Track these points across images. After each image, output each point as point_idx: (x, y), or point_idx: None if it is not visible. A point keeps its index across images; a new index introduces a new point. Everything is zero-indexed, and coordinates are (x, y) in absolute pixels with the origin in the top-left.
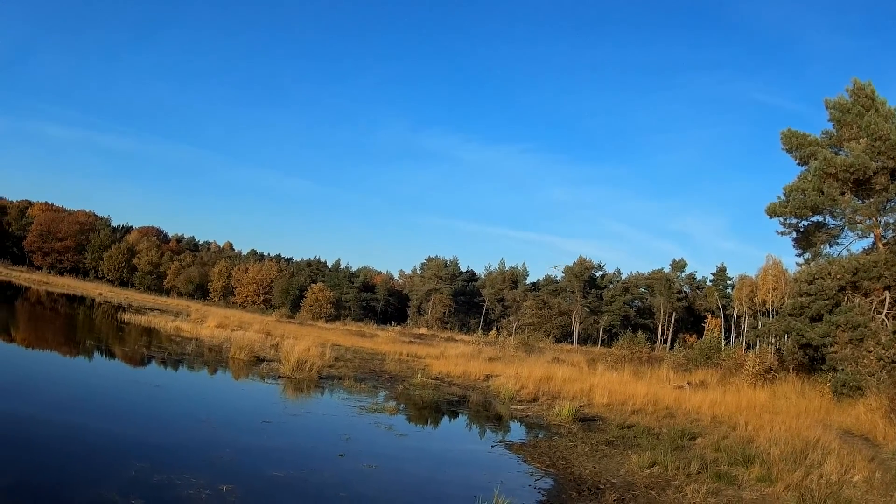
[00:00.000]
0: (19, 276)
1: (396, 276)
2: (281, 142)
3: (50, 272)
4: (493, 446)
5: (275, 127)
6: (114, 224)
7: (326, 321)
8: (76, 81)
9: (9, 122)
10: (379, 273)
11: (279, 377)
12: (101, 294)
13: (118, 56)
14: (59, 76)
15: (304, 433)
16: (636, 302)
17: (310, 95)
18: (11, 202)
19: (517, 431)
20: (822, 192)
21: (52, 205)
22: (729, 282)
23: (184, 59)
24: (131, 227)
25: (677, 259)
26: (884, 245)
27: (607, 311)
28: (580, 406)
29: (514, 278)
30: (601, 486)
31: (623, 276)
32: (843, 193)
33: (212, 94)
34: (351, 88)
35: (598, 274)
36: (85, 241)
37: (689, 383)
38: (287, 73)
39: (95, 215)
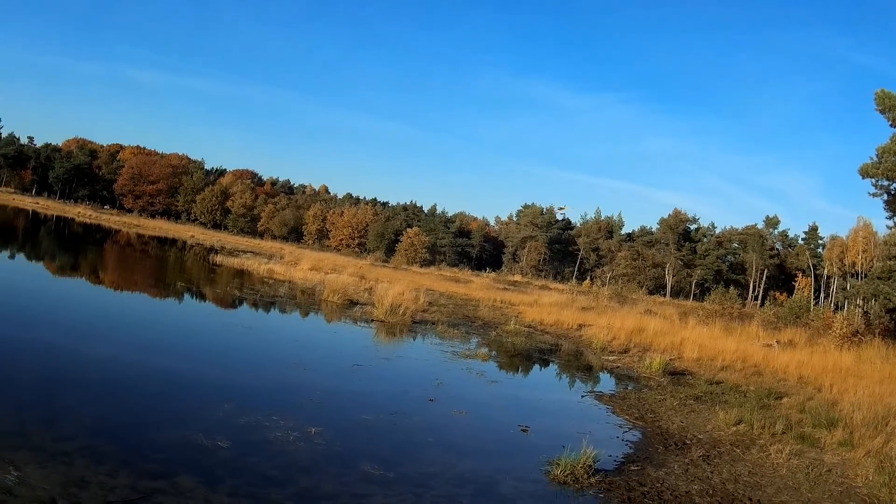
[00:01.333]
0: (109, 218)
1: (492, 222)
2: (377, 86)
3: (141, 215)
4: (582, 396)
5: (371, 71)
6: (207, 167)
7: (421, 266)
8: (166, 25)
9: (98, 66)
10: (475, 219)
11: (372, 321)
12: (192, 236)
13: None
14: (149, 20)
15: (395, 377)
16: (728, 257)
17: (407, 41)
18: (102, 146)
19: (607, 382)
20: None
21: (144, 148)
22: (820, 241)
23: (275, 3)
24: (225, 170)
25: (770, 216)
26: None
27: (700, 265)
28: (670, 360)
29: (609, 228)
30: (687, 442)
31: (717, 231)
32: None
33: (305, 37)
34: (449, 34)
35: (693, 227)
36: (177, 184)
37: (777, 342)
38: (381, 18)
39: (188, 158)
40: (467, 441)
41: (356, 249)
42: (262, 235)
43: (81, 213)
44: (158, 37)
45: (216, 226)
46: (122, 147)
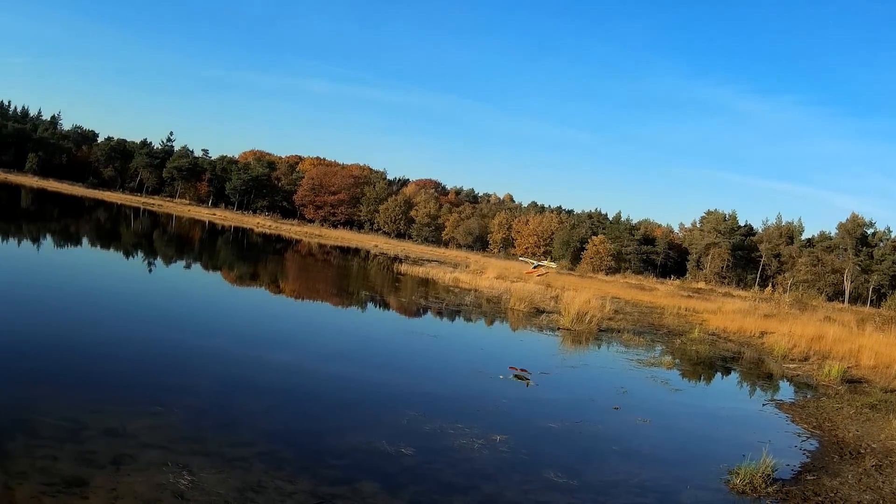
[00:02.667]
0: (290, 228)
1: (676, 229)
2: (555, 93)
3: (322, 225)
4: (763, 405)
5: (547, 78)
6: (389, 177)
7: (606, 274)
8: (337, 36)
9: (274, 78)
10: (659, 226)
11: (558, 329)
12: (376, 246)
13: (379, 9)
14: (319, 30)
15: (581, 385)
16: None
17: (579, 46)
18: (280, 158)
19: (787, 391)
20: None
21: (323, 159)
22: None
23: (446, 13)
24: (408, 179)
25: None
26: None
27: (877, 270)
28: (847, 367)
29: (789, 233)
30: (861, 451)
31: (893, 234)
32: None
33: (480, 46)
34: (620, 37)
35: (870, 231)
36: (359, 195)
37: None
38: (555, 26)
39: (370, 168)
40: (651, 450)
41: (541, 258)
42: (446, 244)
43: (260, 223)
44: (331, 47)
45: (400, 235)
46: (301, 158)
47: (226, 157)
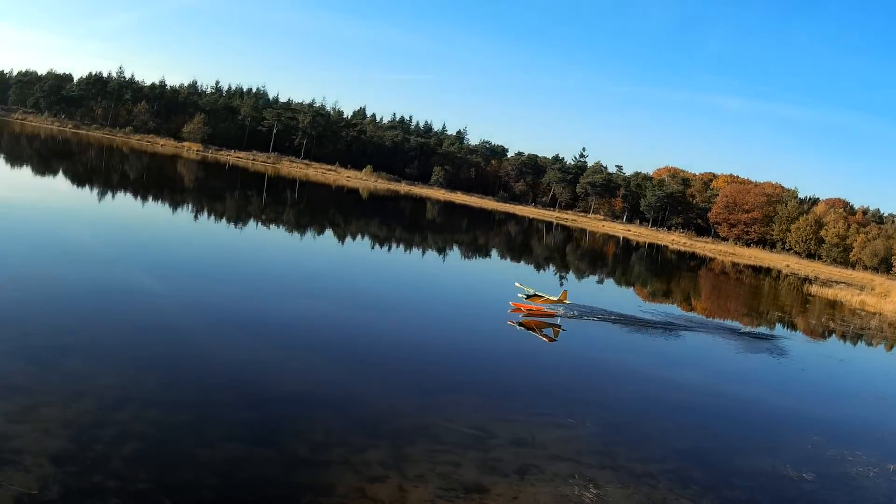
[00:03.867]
0: (703, 246)
1: None
2: None
3: (735, 243)
4: None
5: None
6: (800, 196)
7: None
8: (746, 53)
9: (684, 95)
10: None
11: None
12: (787, 266)
13: (784, 25)
14: (728, 47)
15: None
16: None
17: None
18: (695, 175)
19: None
20: None
21: (737, 177)
22: None
23: (850, 28)
24: (818, 198)
25: None
26: None
27: None
28: None
29: None
30: None
31: None
32: None
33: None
34: None
35: None
36: (771, 213)
37: None
38: None
39: (782, 187)
40: None
41: None
42: (853, 266)
43: (675, 240)
44: (740, 64)
45: (810, 255)
46: (714, 175)
47: (640, 173)
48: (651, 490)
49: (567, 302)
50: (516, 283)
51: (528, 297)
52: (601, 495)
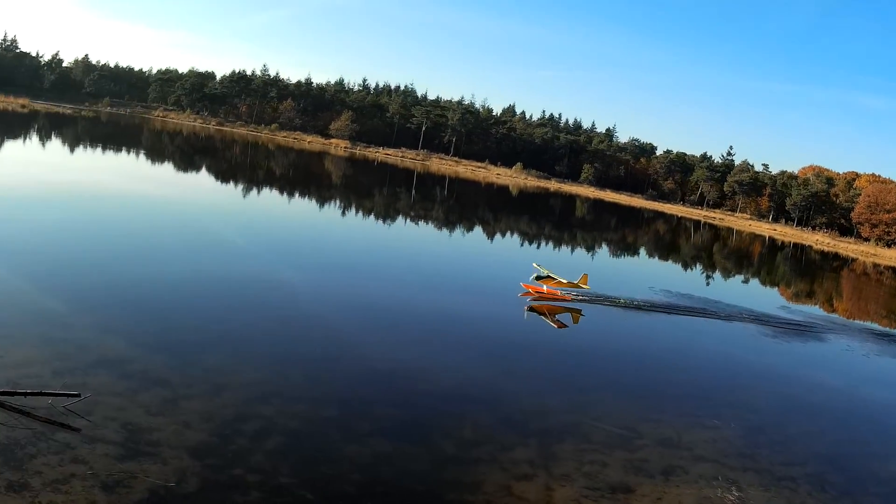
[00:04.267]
0: (846, 247)
1: None
2: None
3: (876, 244)
4: None
5: None
6: None
7: None
8: (887, 49)
9: (827, 93)
10: None
11: None
12: None
13: None
14: (870, 44)
15: None
16: None
17: None
18: (838, 174)
19: None
20: None
21: (879, 176)
22: None
23: None
24: None
25: None
26: None
27: None
28: None
29: None
30: None
31: None
32: None
33: None
34: None
35: None
36: None
37: None
38: None
39: None
40: None
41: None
42: None
43: (819, 240)
44: (884, 61)
45: None
46: (857, 175)
47: (785, 172)
48: (791, 494)
49: (587, 287)
50: (534, 264)
51: (540, 278)
52: (743, 498)
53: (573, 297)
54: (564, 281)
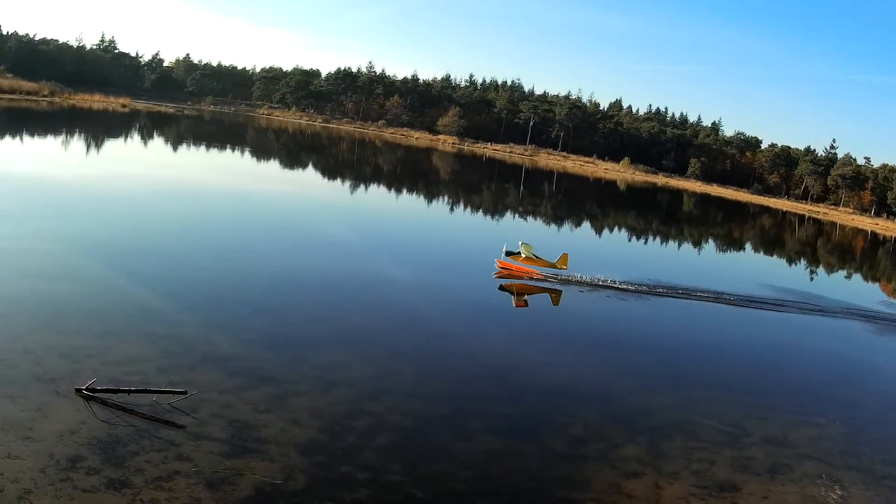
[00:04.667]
0: None
1: None
2: None
3: None
4: None
5: None
6: None
7: None
8: None
9: None
10: None
11: None
12: None
13: None
14: None
15: None
16: None
17: None
18: None
19: None
20: None
21: None
22: None
23: None
24: None
25: None
26: None
27: None
28: None
29: None
30: None
31: None
32: None
33: None
34: None
35: None
36: None
37: None
38: None
39: None
40: None
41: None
42: None
43: None
44: None
45: None
46: None
47: (887, 165)
48: (892, 493)
49: (565, 268)
50: (519, 243)
51: (510, 254)
52: (845, 497)
53: (544, 276)
54: (545, 261)
